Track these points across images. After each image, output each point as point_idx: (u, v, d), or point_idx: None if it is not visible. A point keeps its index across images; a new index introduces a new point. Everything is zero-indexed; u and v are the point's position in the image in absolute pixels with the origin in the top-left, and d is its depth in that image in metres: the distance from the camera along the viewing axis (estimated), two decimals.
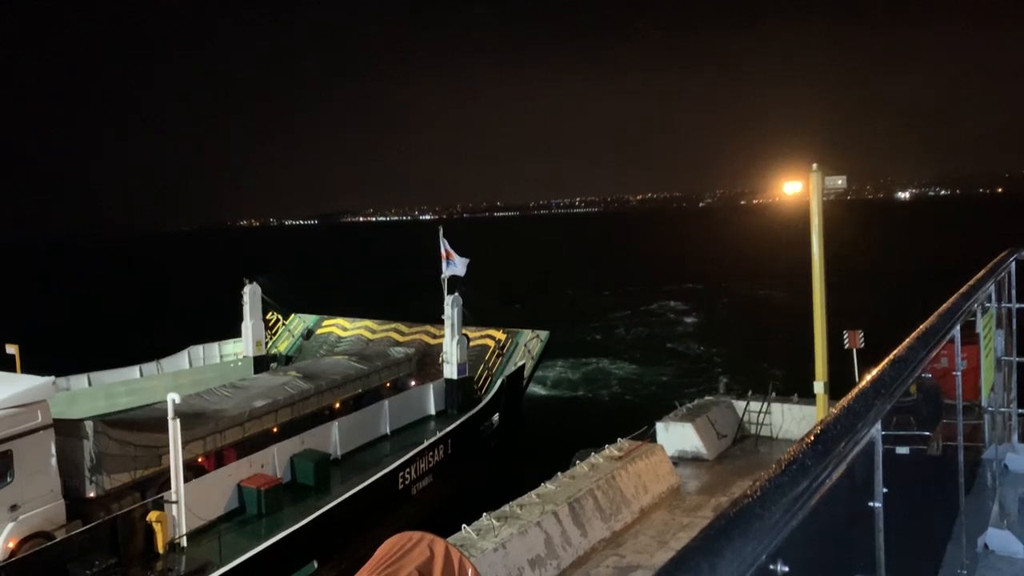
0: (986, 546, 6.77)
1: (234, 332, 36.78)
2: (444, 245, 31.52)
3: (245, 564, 17.67)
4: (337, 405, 27.79)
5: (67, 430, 19.40)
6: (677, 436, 24.75)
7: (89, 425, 19.82)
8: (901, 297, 52.78)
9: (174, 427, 19.08)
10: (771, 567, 2.02)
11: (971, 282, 6.19)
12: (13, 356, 25.83)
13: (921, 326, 4.13)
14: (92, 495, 19.69)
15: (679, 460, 24.12)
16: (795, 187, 22.12)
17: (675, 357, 56.03)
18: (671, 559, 1.64)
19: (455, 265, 31.52)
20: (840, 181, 20.60)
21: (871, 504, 3.31)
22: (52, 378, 19.29)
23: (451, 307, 30.95)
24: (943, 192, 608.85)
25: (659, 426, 25.17)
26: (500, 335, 35.09)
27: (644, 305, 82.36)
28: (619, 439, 23.42)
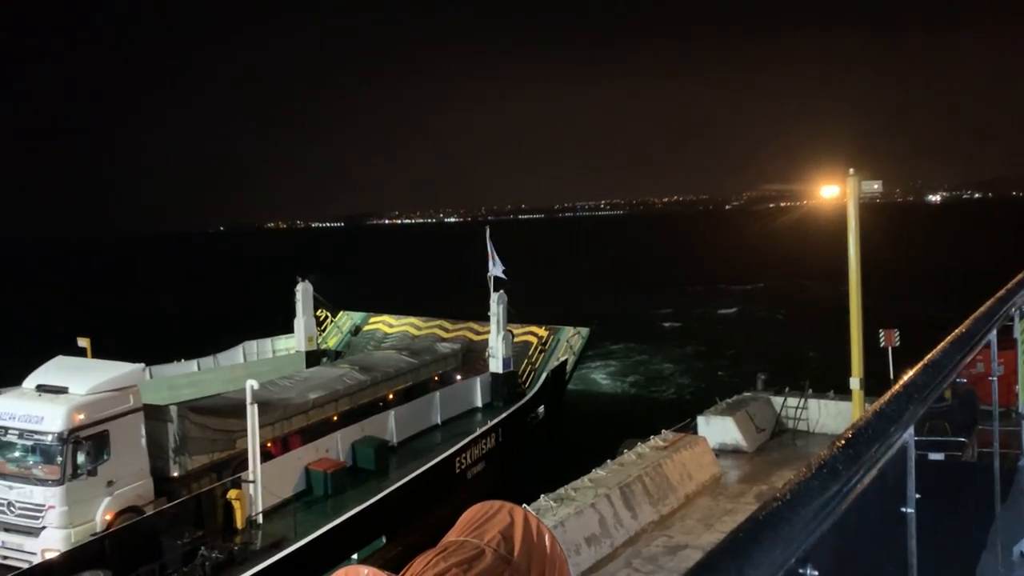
0: (1022, 554, 6.51)
1: (286, 328, 38.40)
2: (490, 246, 32.82)
3: (318, 539, 19.05)
4: (390, 396, 29.19)
5: (154, 414, 20.94)
6: (718, 429, 25.85)
7: (174, 410, 21.36)
8: (935, 299, 53.41)
9: (252, 412, 20.57)
10: (800, 571, 2.01)
11: (1008, 286, 5.88)
12: (85, 349, 27.39)
13: (956, 330, 4.04)
14: (175, 474, 21.21)
15: (720, 452, 25.19)
16: (832, 191, 23.07)
17: (712, 354, 57.09)
18: (698, 562, 1.64)
19: (498, 265, 32.85)
20: (876, 185, 21.58)
21: (903, 510, 3.29)
22: (142, 365, 20.92)
23: (497, 304, 32.25)
24: (976, 195, 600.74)
25: (700, 419, 26.28)
26: (542, 332, 36.41)
27: (680, 304, 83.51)
28: (663, 431, 24.64)
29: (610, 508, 19.12)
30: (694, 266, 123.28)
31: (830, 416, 27.29)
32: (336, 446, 24.44)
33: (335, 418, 26.12)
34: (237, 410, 22.03)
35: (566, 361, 34.42)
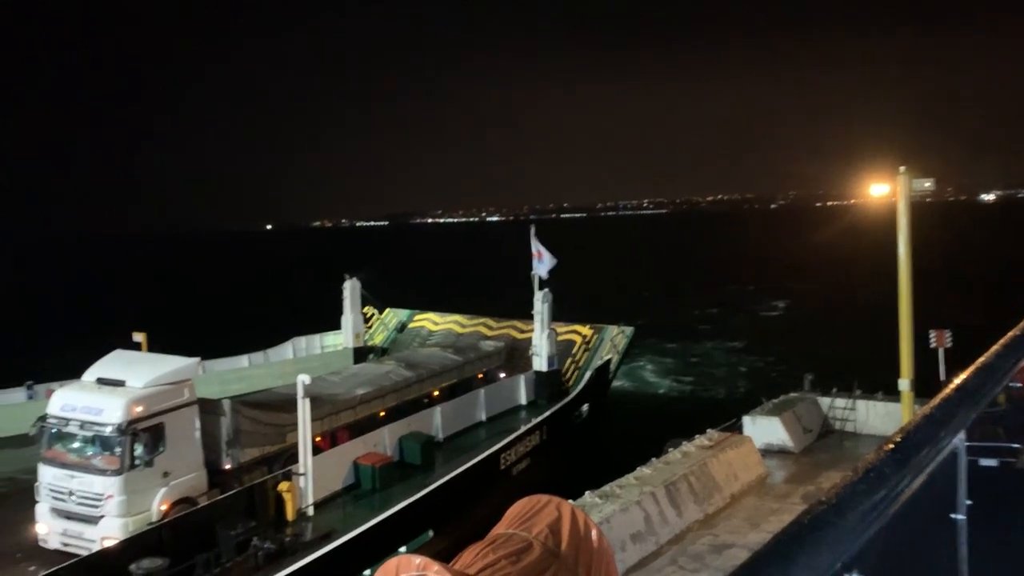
0: None
1: (333, 325, 39.08)
2: (536, 244, 32.96)
3: (367, 532, 19.38)
4: (436, 393, 29.50)
5: (208, 407, 21.47)
6: (764, 429, 25.70)
7: (227, 404, 21.88)
8: (990, 301, 52.16)
9: (305, 405, 21.01)
10: None
11: None
12: (139, 344, 28.12)
13: (1010, 332, 3.88)
14: (228, 467, 21.73)
15: (765, 452, 25.07)
16: (882, 189, 22.76)
17: (758, 354, 56.62)
18: (743, 564, 1.64)
19: (543, 264, 32.90)
20: (928, 183, 21.26)
21: (954, 517, 3.19)
22: (198, 359, 21.45)
23: (541, 302, 32.37)
24: None
25: (746, 419, 26.17)
26: (586, 330, 36.47)
27: (725, 303, 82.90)
28: (708, 430, 24.61)
29: (655, 506, 19.16)
30: (739, 265, 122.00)
31: (879, 418, 26.97)
32: (383, 441, 24.82)
33: (382, 414, 26.50)
34: (287, 404, 22.50)
35: (610, 360, 34.44)
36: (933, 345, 24.98)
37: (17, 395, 29.18)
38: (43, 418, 20.13)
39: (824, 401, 28.08)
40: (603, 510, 18.06)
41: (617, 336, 35.74)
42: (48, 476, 19.82)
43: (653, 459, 22.00)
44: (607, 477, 20.59)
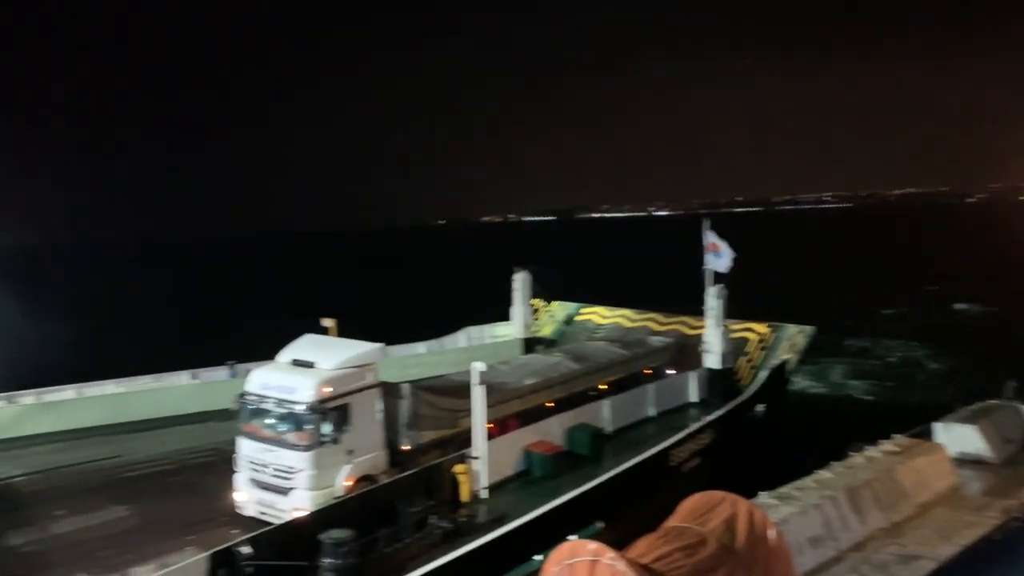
0: None
1: (503, 316, 40.01)
2: (710, 237, 32.14)
3: (539, 518, 19.68)
4: (603, 386, 29.49)
5: (389, 390, 22.57)
6: (958, 437, 23.99)
7: (406, 388, 22.93)
8: None
9: (481, 392, 21.70)
10: None
11: None
12: (328, 329, 29.87)
13: None
14: (406, 448, 22.75)
15: (959, 462, 23.39)
16: None
17: (951, 358, 52.92)
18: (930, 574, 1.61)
19: (721, 258, 31.94)
20: None
21: None
22: (381, 344, 22.61)
23: (714, 298, 31.56)
24: None
25: (938, 426, 24.52)
26: (763, 329, 35.24)
27: (914, 303, 77.90)
28: (895, 435, 23.26)
29: (836, 511, 18.35)
30: (931, 263, 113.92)
31: None
32: (552, 431, 25.12)
33: (550, 404, 26.78)
34: (462, 390, 23.23)
35: (788, 360, 33.15)
36: None
37: (220, 373, 31.93)
38: (242, 395, 21.78)
39: None
40: (780, 512, 17.51)
41: (796, 336, 34.32)
42: (246, 448, 21.43)
43: (834, 463, 21.06)
44: (783, 479, 19.91)
